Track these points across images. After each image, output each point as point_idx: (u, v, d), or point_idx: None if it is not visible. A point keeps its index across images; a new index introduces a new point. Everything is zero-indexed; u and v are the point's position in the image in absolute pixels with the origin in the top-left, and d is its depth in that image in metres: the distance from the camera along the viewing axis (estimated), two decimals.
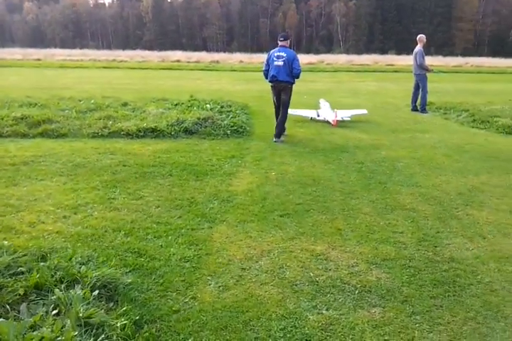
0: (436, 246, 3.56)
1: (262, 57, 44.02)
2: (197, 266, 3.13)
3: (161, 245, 3.41)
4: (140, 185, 4.83)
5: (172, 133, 7.50)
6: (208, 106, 9.80)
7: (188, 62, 35.66)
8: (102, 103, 9.84)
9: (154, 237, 3.55)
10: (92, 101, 10.09)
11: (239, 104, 10.94)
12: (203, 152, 6.43)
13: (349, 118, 9.24)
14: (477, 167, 5.91)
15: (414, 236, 3.74)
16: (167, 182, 4.99)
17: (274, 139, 7.27)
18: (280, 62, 7.05)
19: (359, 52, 63.27)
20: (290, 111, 8.11)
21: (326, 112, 9.36)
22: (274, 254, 3.34)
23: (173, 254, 3.27)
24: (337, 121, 8.90)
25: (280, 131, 7.38)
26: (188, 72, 26.83)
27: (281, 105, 7.42)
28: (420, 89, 10.69)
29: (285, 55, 7.08)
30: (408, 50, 61.53)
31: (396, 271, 3.17)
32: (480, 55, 57.45)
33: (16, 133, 7.26)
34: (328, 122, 9.07)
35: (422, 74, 10.62)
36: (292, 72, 7.08)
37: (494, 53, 56.85)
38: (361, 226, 3.91)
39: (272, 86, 7.41)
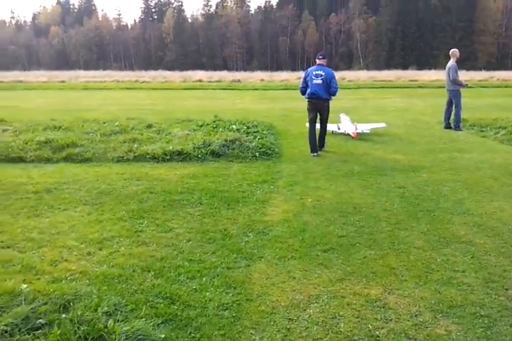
0: (507, 289, 3.11)
1: (282, 75, 44.18)
2: (237, 315, 2.75)
3: (195, 288, 3.05)
4: (169, 215, 4.51)
5: (199, 156, 7.23)
6: (233, 126, 9.53)
7: (210, 81, 35.82)
8: (127, 125, 9.67)
9: (187, 278, 3.19)
10: (117, 123, 9.94)
11: (264, 124, 10.65)
12: (232, 176, 6.10)
13: (369, 131, 9.53)
14: None
15: (479, 275, 3.29)
16: (197, 211, 4.66)
17: (313, 153, 7.58)
18: (319, 81, 7.43)
19: (379, 67, 63.03)
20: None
21: (347, 125, 9.61)
22: (323, 300, 2.94)
23: (210, 300, 2.90)
24: (357, 133, 9.15)
25: (322, 144, 7.92)
26: (211, 91, 26.87)
27: (321, 121, 7.90)
28: (454, 106, 10.23)
29: (323, 73, 7.45)
30: (429, 65, 60.97)
31: (467, 321, 2.73)
32: (504, 68, 56.43)
33: (39, 158, 7.10)
34: (348, 135, 9.34)
35: (455, 89, 10.17)
36: (330, 89, 7.49)
37: None
38: (417, 263, 3.48)
39: (309, 102, 7.73)
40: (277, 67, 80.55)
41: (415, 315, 2.78)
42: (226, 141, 7.79)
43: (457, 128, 10.18)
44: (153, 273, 3.26)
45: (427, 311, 2.83)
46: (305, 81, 7.68)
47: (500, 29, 78.22)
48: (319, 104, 7.64)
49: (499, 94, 19.84)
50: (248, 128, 9.71)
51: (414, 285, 3.15)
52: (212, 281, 3.16)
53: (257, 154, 7.39)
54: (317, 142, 7.77)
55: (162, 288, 3.04)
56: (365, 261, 3.53)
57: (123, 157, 7.14)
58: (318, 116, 7.86)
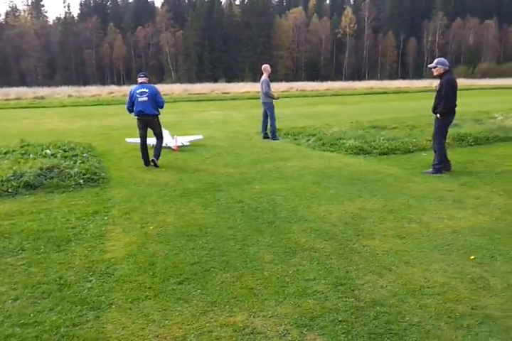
0: (353, 290, 3.37)
1: (92, 90, 41.74)
2: None
3: None
4: None
5: (9, 190, 6.18)
6: (48, 151, 8.53)
7: (7, 99, 31.73)
8: None
9: None
10: None
11: (83, 146, 9.84)
12: (56, 211, 5.38)
13: (188, 143, 10.14)
14: (347, 192, 6.09)
15: (328, 281, 3.50)
16: (20, 260, 3.93)
17: (153, 159, 7.91)
18: (145, 98, 7.72)
19: (191, 80, 64.96)
20: (129, 139, 10.00)
21: (167, 139, 9.76)
22: (191, 340, 2.73)
23: None
24: (177, 146, 9.68)
25: (158, 153, 8.04)
26: (9, 110, 23.81)
27: (157, 137, 8.16)
28: (269, 117, 11.01)
29: (147, 90, 7.77)
30: (237, 78, 65.57)
31: (329, 330, 2.85)
32: (300, 79, 63.93)
33: None
34: (169, 148, 9.62)
35: (269, 102, 10.95)
36: (158, 104, 7.87)
37: (311, 78, 63.97)
38: (272, 279, 3.53)
39: (139, 120, 7.94)
40: (84, 81, 76.23)
41: (283, 335, 2.79)
42: (42, 169, 6.86)
43: (274, 137, 10.98)
44: None
45: (293, 328, 2.86)
46: (131, 100, 7.88)
47: (293, 44, 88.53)
48: (148, 120, 7.91)
49: (301, 104, 22.25)
50: (65, 151, 8.83)
51: (275, 303, 3.17)
52: None
53: (81, 181, 6.68)
54: (152, 152, 8.06)
55: None
56: (223, 286, 3.43)
57: None
58: (151, 131, 8.14)
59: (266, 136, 11.21)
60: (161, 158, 8.11)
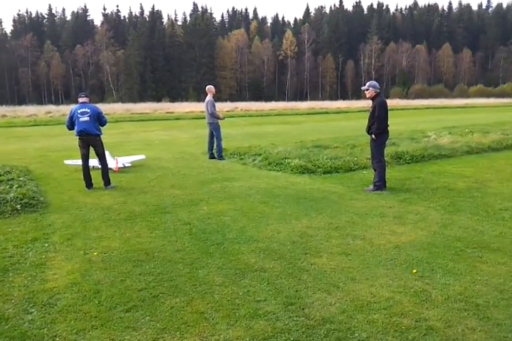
0: (303, 308, 3.41)
1: (29, 110, 39.88)
2: None
3: None
4: None
5: None
6: None
7: None
8: None
9: None
10: None
11: (19, 169, 9.41)
12: None
13: (130, 165, 9.97)
14: (294, 210, 6.19)
15: (278, 301, 3.52)
16: None
17: (105, 187, 7.87)
18: (86, 118, 7.63)
19: (134, 100, 64.12)
20: (68, 161, 9.88)
21: (108, 160, 9.19)
22: None
23: None
24: (119, 168, 9.45)
25: (107, 179, 7.98)
26: None
27: (99, 157, 8.08)
28: (215, 137, 11.05)
29: (89, 110, 7.70)
30: (181, 97, 65.48)
31: None
32: (244, 99, 64.80)
33: None
34: (110, 169, 9.00)
35: (214, 122, 11.01)
36: (100, 124, 7.85)
37: (255, 98, 65.05)
38: (222, 302, 3.50)
39: (81, 139, 7.80)
40: (20, 100, 73.18)
41: None
42: None
43: (220, 158, 11.01)
44: None
45: None
46: (71, 120, 7.77)
47: (236, 65, 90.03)
48: (91, 139, 7.80)
49: (246, 123, 22.51)
50: (0, 175, 8.35)
51: (226, 327, 3.14)
52: None
53: (18, 207, 6.33)
54: (101, 179, 8.01)
55: None
56: (173, 311, 3.35)
57: None
58: (93, 152, 8.00)
59: (212, 157, 11.22)
60: (113, 184, 8.07)
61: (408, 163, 9.97)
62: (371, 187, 7.38)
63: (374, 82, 7.37)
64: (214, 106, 10.96)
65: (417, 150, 10.72)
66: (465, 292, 3.62)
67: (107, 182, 7.98)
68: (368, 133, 7.34)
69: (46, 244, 4.88)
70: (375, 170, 7.42)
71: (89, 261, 4.37)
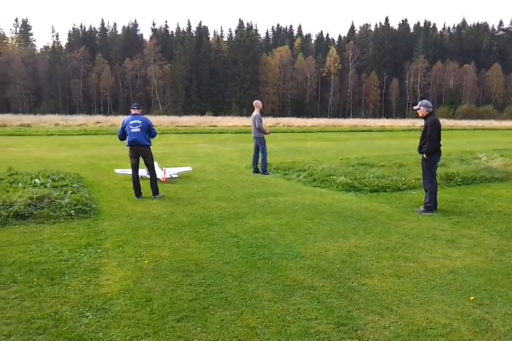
0: (356, 330, 3.32)
1: (79, 119, 41.57)
2: None
3: None
4: None
5: None
6: (37, 181, 8.42)
7: None
8: None
9: None
10: None
11: (71, 176, 9.74)
12: (48, 242, 5.26)
13: (177, 176, 10.17)
14: (342, 229, 6.10)
15: (330, 320, 3.45)
16: (12, 293, 3.80)
17: (154, 196, 8.08)
18: (137, 129, 7.93)
19: (178, 113, 65.69)
20: (117, 170, 10.15)
21: (156, 170, 9.60)
22: None
23: None
24: (166, 178, 9.66)
25: (156, 188, 8.20)
26: None
27: (148, 167, 8.32)
28: (260, 152, 11.12)
29: (140, 122, 8.00)
30: (224, 111, 66.59)
31: None
32: (285, 115, 65.07)
33: None
34: (158, 179, 9.21)
35: (260, 137, 11.10)
36: (150, 135, 8.11)
37: (297, 114, 65.22)
38: (273, 318, 3.47)
39: (131, 149, 8.05)
40: (71, 110, 76.46)
41: None
42: (32, 199, 6.74)
43: (265, 172, 11.04)
44: None
45: None
46: (123, 131, 8.05)
47: (279, 81, 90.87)
48: (141, 150, 8.06)
49: (288, 139, 22.56)
50: (55, 181, 8.71)
51: None
52: None
53: (72, 212, 6.57)
54: (150, 188, 8.20)
55: None
56: (224, 324, 3.35)
57: None
58: (143, 162, 8.25)
59: (256, 171, 11.27)
60: (161, 194, 8.24)
61: (459, 184, 9.64)
62: (421, 208, 7.18)
63: (426, 101, 7.24)
64: (261, 120, 11.07)
65: (468, 172, 10.37)
66: None
67: (155, 191, 8.17)
68: (420, 152, 7.18)
69: (99, 250, 5.01)
70: (425, 191, 7.22)
71: (140, 269, 4.45)
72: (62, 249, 5.02)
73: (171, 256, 4.84)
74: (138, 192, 8.10)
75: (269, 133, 11.53)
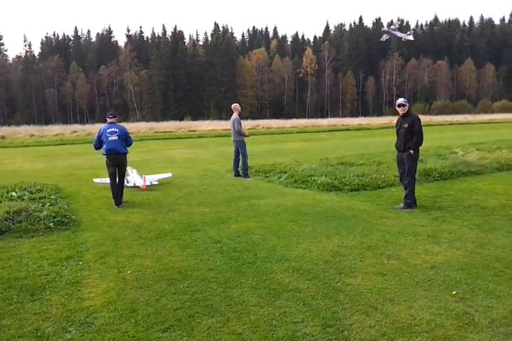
0: (342, 331, 3.34)
1: (55, 129, 40.80)
2: None
3: None
4: None
5: None
6: (14, 194, 8.23)
7: None
8: None
9: None
10: None
11: (49, 187, 9.55)
12: (27, 257, 5.16)
13: (157, 182, 10.10)
14: (324, 229, 6.13)
15: (316, 323, 3.46)
16: None
17: (118, 206, 7.93)
18: (115, 137, 7.96)
19: (157, 119, 65.14)
20: (96, 180, 10.06)
21: (135, 178, 9.94)
22: None
23: None
24: (146, 186, 9.60)
25: (121, 197, 8.18)
26: None
27: (119, 175, 8.22)
28: (241, 155, 11.11)
29: (117, 130, 8.05)
30: (203, 116, 66.32)
31: None
32: (264, 117, 65.18)
33: None
34: (138, 187, 9.66)
35: (240, 140, 11.09)
36: (127, 144, 8.18)
37: (275, 115, 65.41)
38: (259, 323, 3.46)
39: (108, 158, 8.05)
40: (46, 120, 75.17)
41: None
42: (9, 213, 6.61)
43: (246, 175, 11.03)
44: None
45: None
46: (99, 139, 8.07)
47: (257, 83, 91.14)
48: (118, 158, 8.08)
49: (268, 141, 22.59)
50: (32, 193, 8.54)
51: None
52: None
53: (51, 225, 6.44)
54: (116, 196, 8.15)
55: None
56: (210, 332, 3.33)
57: None
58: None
59: (237, 174, 11.26)
60: (123, 203, 8.18)
61: (437, 180, 9.80)
62: (401, 204, 7.27)
63: (405, 99, 7.36)
64: (240, 123, 11.07)
65: (445, 167, 10.54)
66: (510, 315, 3.49)
67: (118, 202, 8.06)
68: (401, 149, 7.23)
69: (80, 262, 4.93)
70: (405, 188, 7.31)
71: (123, 280, 4.39)
72: (42, 263, 4.92)
73: (154, 265, 4.79)
74: (117, 201, 8.01)
75: (249, 135, 11.54)
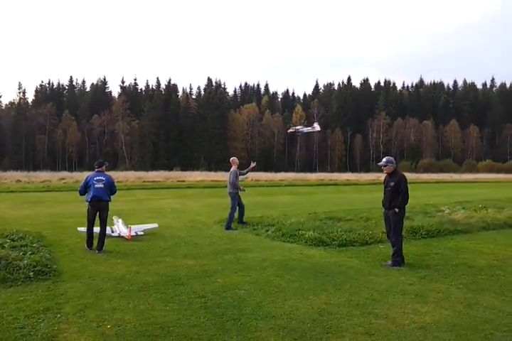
0: None
1: (42, 175, 40.60)
2: None
3: None
4: None
5: None
6: None
7: None
8: None
9: None
10: None
11: (32, 235, 9.35)
12: (2, 308, 4.95)
13: (143, 233, 9.95)
14: (312, 285, 6.02)
15: None
16: None
17: (98, 252, 8.14)
18: (101, 185, 8.33)
19: (146, 168, 65.40)
20: (80, 229, 9.62)
21: (121, 228, 9.85)
22: None
23: None
24: (131, 236, 9.45)
25: (102, 244, 8.27)
26: None
27: (101, 221, 8.42)
28: (230, 207, 11.11)
29: (104, 178, 8.44)
30: (192, 166, 66.61)
31: None
32: (253, 170, 65.76)
33: None
34: (122, 237, 9.52)
35: (233, 192, 11.17)
36: (111, 192, 8.53)
37: (265, 168, 66.08)
38: None
39: (91, 205, 8.34)
40: (35, 166, 75.01)
41: None
42: None
43: (228, 228, 10.91)
44: None
45: None
46: (85, 186, 8.41)
47: (247, 137, 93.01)
48: (101, 204, 8.37)
49: (257, 193, 22.61)
50: (13, 241, 8.36)
51: None
52: None
53: (31, 274, 6.24)
54: (96, 244, 8.34)
55: None
56: None
57: None
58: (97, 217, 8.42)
59: (242, 222, 11.36)
60: (103, 253, 8.16)
61: (424, 237, 9.82)
62: (389, 262, 7.22)
63: (391, 158, 7.52)
64: (237, 176, 11.29)
65: (432, 224, 10.61)
66: None
67: (101, 247, 8.26)
68: (389, 207, 7.29)
69: (58, 315, 4.74)
70: (392, 246, 7.30)
71: (102, 335, 4.21)
72: (17, 314, 4.72)
73: (135, 320, 4.61)
74: (90, 244, 8.37)
75: (243, 189, 11.58)
